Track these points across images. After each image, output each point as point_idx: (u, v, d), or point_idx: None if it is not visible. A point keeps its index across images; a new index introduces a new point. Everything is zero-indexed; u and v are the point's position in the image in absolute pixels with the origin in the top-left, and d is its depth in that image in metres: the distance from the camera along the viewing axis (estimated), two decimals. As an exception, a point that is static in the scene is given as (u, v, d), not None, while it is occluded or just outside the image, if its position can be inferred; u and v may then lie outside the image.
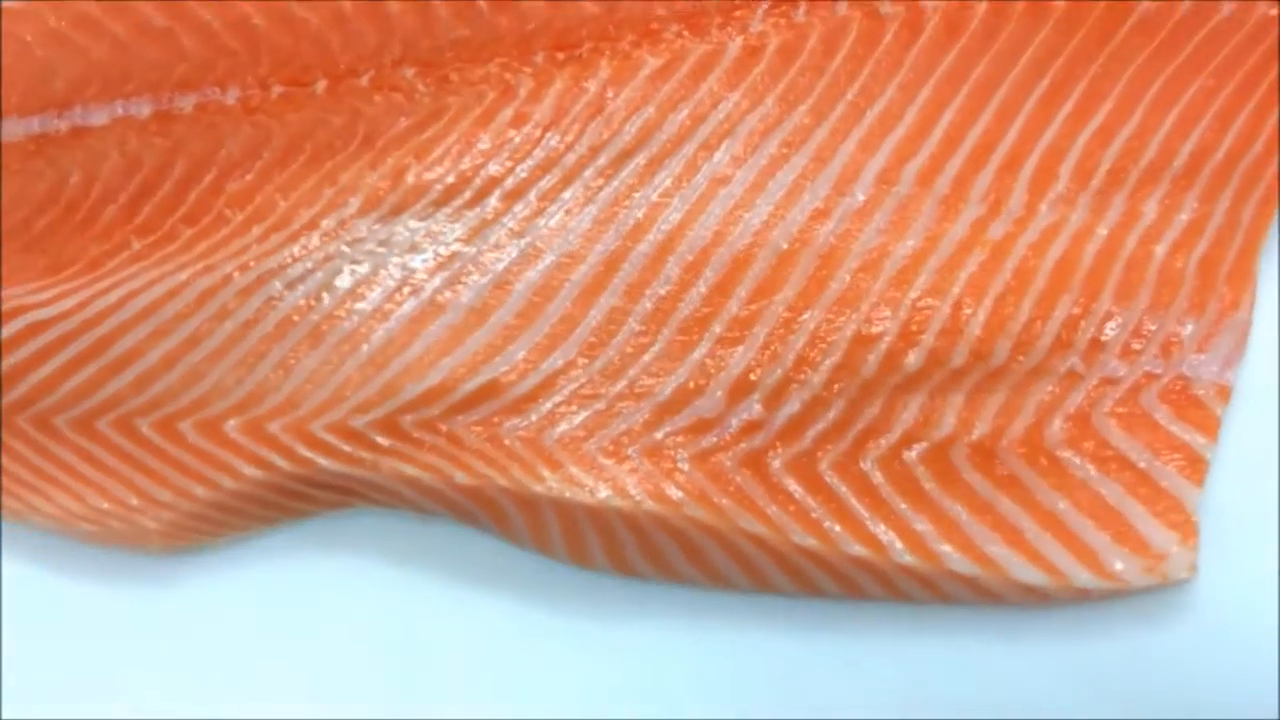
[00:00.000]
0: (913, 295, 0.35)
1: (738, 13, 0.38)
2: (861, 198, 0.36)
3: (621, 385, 0.36)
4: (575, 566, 0.37)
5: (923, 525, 0.34)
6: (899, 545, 0.34)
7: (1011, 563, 0.34)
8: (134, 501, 0.37)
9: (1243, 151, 0.37)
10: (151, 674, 0.37)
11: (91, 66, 0.41)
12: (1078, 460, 0.35)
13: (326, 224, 0.38)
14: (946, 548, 0.34)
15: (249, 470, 0.37)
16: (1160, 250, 0.36)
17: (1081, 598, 0.34)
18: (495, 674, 0.36)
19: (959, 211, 0.36)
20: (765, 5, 0.38)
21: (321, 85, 0.40)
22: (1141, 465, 0.34)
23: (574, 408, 0.36)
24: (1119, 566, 0.33)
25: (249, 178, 0.39)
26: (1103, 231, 0.36)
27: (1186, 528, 0.34)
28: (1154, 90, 0.37)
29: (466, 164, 0.38)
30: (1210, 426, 0.35)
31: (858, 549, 0.34)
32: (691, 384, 0.36)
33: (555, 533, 0.36)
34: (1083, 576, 0.34)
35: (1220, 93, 0.37)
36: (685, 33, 0.38)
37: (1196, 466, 0.34)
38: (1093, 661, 0.34)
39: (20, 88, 0.41)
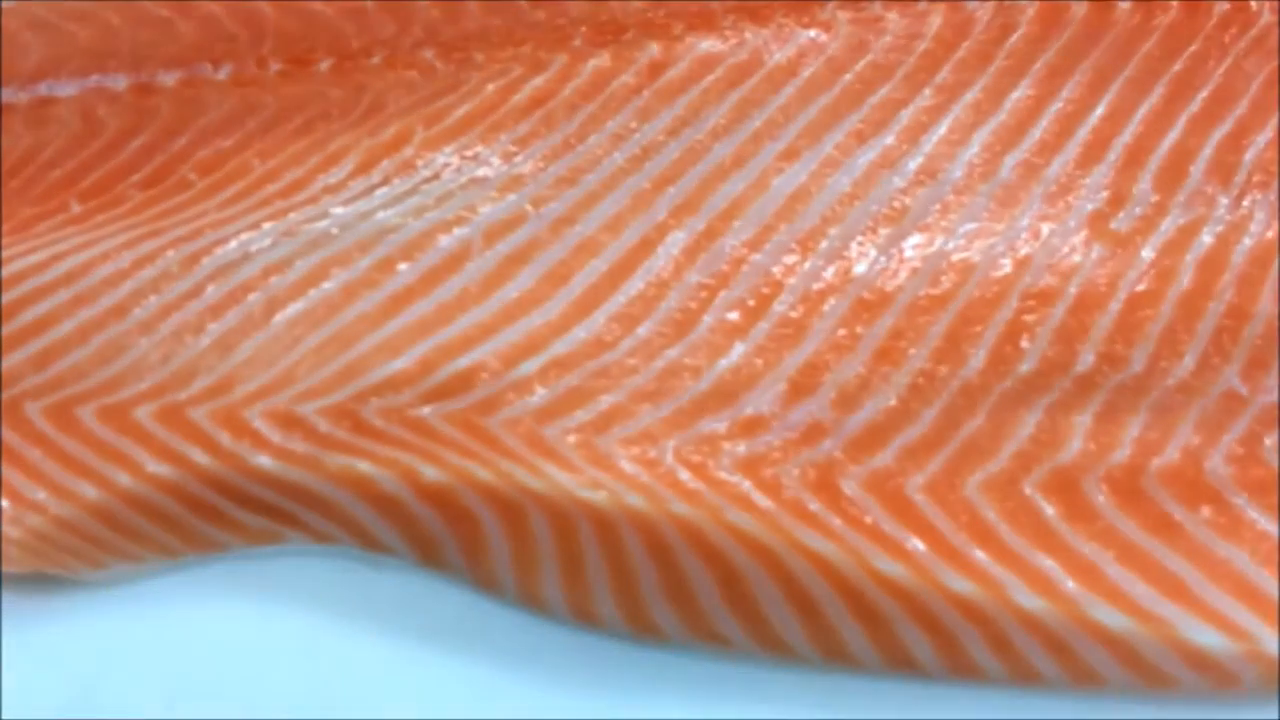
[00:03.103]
0: (1022, 285, 0.28)
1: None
2: (950, 185, 0.30)
3: (648, 376, 0.28)
4: (569, 620, 0.27)
5: (1048, 562, 0.25)
6: (1017, 582, 0.25)
7: (1177, 617, 0.24)
8: (-3, 502, 0.28)
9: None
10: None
11: (73, 47, 0.37)
12: (1252, 505, 0.26)
13: (305, 192, 0.31)
14: (1078, 588, 0.24)
15: (153, 465, 0.28)
16: (1326, 261, 0.29)
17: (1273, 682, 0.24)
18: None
19: (1071, 204, 0.30)
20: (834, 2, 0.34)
21: (326, 64, 0.35)
22: (1335, 514, 0.26)
23: (583, 399, 0.28)
24: (1331, 632, 0.24)
25: (226, 144, 0.33)
26: (1253, 232, 0.29)
27: None
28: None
29: (481, 133, 0.32)
30: None
31: (960, 583, 0.25)
32: (741, 372, 0.28)
33: (547, 558, 0.27)
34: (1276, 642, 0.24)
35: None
36: (744, 22, 0.34)
37: None
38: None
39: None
